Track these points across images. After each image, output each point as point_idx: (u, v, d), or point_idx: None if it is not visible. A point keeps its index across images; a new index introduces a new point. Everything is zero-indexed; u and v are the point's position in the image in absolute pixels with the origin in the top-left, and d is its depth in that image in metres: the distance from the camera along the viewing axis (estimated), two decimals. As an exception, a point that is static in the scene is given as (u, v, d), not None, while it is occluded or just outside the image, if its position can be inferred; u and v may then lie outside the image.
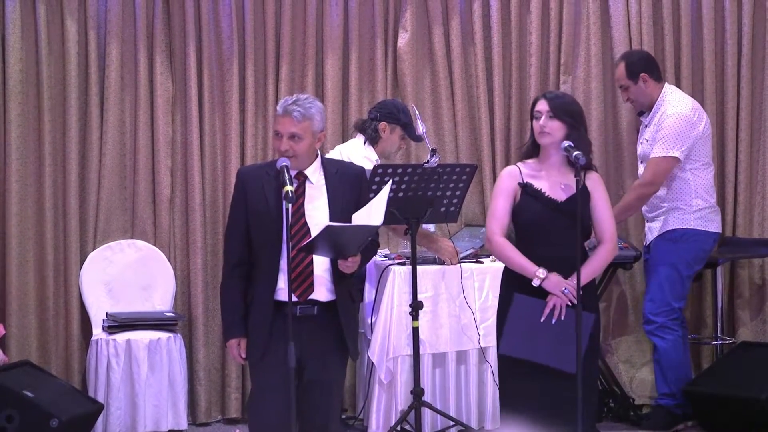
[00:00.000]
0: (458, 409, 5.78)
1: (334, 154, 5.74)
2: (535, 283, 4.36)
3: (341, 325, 4.20)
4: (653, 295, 5.89)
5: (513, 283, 4.47)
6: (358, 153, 5.66)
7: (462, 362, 5.79)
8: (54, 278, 6.08)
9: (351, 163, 4.70)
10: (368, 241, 4.19)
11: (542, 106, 4.46)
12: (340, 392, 4.46)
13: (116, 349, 5.78)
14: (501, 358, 4.50)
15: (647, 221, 6.04)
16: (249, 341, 4.21)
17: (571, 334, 4.28)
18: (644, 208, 6.00)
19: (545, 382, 4.37)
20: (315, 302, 4.15)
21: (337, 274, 4.19)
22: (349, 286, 4.27)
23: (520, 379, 4.40)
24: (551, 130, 4.43)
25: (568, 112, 4.44)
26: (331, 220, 4.12)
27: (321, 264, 4.16)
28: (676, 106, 5.85)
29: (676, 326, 5.87)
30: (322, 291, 4.17)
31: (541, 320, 4.35)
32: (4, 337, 5.83)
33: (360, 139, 5.81)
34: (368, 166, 5.39)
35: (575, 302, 4.31)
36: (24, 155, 6.05)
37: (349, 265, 4.13)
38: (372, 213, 4.08)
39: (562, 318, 4.35)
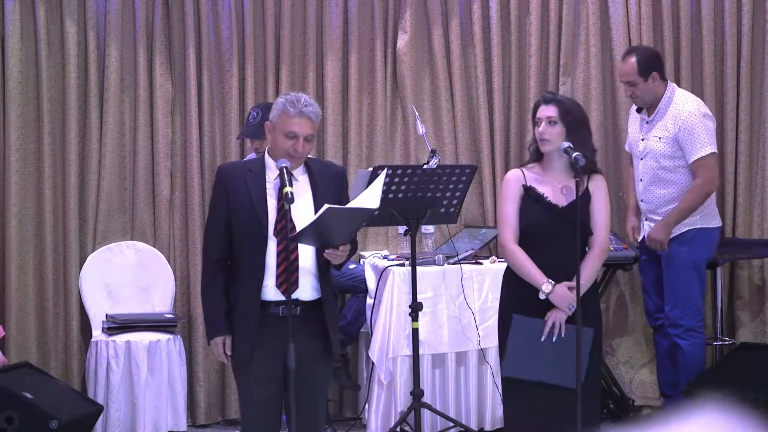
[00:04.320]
0: (458, 411, 5.78)
1: None
2: (542, 296, 4.32)
3: (326, 324, 4.14)
4: (679, 299, 5.80)
5: (514, 285, 4.47)
6: None
7: (462, 363, 5.79)
8: (53, 280, 6.08)
9: (331, 162, 4.74)
10: (361, 227, 4.16)
11: (542, 112, 4.42)
12: (326, 393, 4.42)
13: (116, 351, 5.78)
14: (505, 380, 4.46)
15: (646, 219, 5.99)
16: (234, 340, 4.14)
17: (573, 351, 4.25)
18: (644, 206, 5.98)
19: (549, 399, 4.35)
20: (297, 302, 4.08)
21: (321, 269, 4.14)
22: (331, 281, 4.21)
23: (523, 398, 4.39)
24: (551, 136, 4.39)
25: (568, 116, 4.40)
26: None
27: (306, 258, 4.11)
28: (689, 103, 5.80)
29: (700, 328, 5.86)
30: (307, 288, 4.10)
31: (542, 339, 4.33)
32: (4, 339, 5.82)
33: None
34: None
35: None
36: (23, 156, 6.05)
37: (339, 254, 4.06)
38: (368, 198, 4.05)
39: (563, 335, 4.32)
